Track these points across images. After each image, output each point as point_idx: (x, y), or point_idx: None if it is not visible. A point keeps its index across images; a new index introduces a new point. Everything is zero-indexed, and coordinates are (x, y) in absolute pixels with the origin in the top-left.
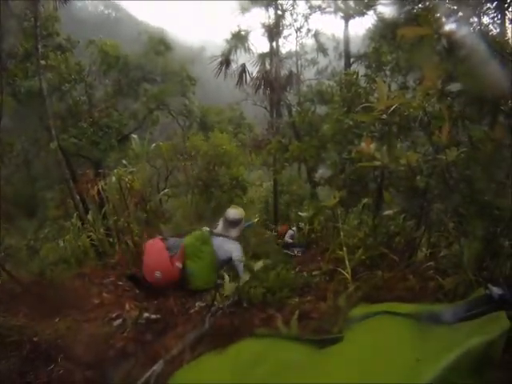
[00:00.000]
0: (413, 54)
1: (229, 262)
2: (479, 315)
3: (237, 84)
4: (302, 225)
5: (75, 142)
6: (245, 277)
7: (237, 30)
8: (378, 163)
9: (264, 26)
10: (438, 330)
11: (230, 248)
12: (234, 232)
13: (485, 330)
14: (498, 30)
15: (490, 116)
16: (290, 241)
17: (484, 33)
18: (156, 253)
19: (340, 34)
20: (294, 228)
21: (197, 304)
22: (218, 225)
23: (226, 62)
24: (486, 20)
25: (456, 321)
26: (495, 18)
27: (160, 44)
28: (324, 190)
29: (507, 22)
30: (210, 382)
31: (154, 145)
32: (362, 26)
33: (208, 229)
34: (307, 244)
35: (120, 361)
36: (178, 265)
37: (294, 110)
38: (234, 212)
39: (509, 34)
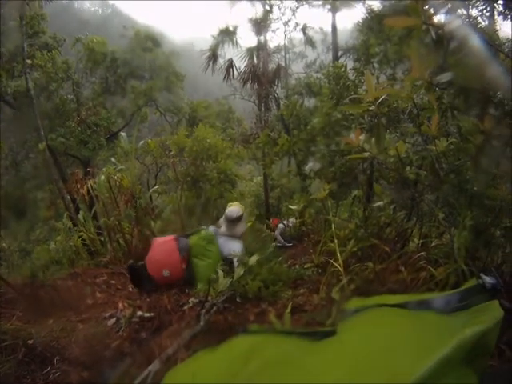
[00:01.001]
0: (401, 45)
1: (231, 260)
2: (472, 305)
3: (224, 78)
4: (291, 219)
5: (63, 142)
6: (239, 271)
7: (224, 25)
8: (367, 155)
9: (251, 20)
10: (431, 320)
11: (233, 246)
12: (238, 229)
13: (479, 320)
14: (487, 22)
15: (479, 107)
16: (280, 238)
17: (473, 24)
18: (168, 252)
19: (328, 27)
20: (285, 221)
21: (190, 300)
22: (222, 225)
23: (213, 56)
24: (474, 12)
25: (449, 310)
26: (484, 11)
27: (147, 40)
28: (315, 183)
29: (496, 14)
30: (203, 379)
31: (141, 142)
32: (349, 18)
33: (214, 227)
34: (299, 237)
35: (116, 361)
36: (183, 266)
37: (282, 103)
38: (233, 210)
39: (497, 26)
